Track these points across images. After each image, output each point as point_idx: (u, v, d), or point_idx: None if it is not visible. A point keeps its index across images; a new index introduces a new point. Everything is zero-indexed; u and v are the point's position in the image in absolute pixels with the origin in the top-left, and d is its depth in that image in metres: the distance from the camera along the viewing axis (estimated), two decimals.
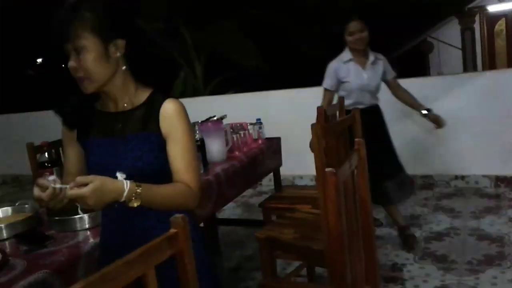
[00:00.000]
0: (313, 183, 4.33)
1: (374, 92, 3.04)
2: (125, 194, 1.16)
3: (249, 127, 3.10)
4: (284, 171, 4.07)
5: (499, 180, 3.84)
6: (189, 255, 1.03)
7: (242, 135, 2.98)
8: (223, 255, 3.01)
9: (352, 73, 2.98)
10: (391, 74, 3.11)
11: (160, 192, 1.25)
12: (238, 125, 3.05)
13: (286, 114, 4.41)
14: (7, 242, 1.72)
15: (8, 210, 2.02)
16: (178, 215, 1.03)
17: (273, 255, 2.41)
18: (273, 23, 7.34)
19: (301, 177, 4.63)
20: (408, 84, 4.25)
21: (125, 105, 1.34)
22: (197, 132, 2.64)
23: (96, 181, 1.13)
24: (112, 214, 1.34)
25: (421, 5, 8.41)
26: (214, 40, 7.06)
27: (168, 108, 1.30)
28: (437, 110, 3.93)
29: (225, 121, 3.19)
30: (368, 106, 3.00)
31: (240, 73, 6.89)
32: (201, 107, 4.51)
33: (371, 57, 3.00)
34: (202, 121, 3.02)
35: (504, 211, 3.36)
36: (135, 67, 1.33)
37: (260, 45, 7.45)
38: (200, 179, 1.35)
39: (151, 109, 1.32)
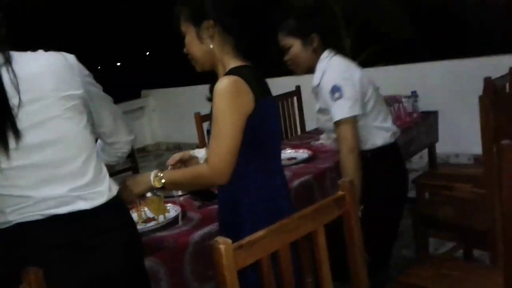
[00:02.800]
0: (470, 163, 4.02)
1: None
2: (151, 177, 1.38)
3: (404, 99, 2.99)
4: (438, 148, 3.87)
5: None
6: (355, 217, 1.07)
7: (396, 108, 2.90)
8: None
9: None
10: None
11: (180, 172, 1.50)
12: (392, 97, 2.97)
13: (444, 87, 4.13)
14: (182, 198, 1.96)
15: None
16: (345, 179, 1.07)
17: (427, 233, 2.34)
18: None
19: (457, 156, 4.32)
20: None
21: None
22: None
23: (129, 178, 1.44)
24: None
25: None
26: (363, 10, 6.84)
27: (215, 86, 1.33)
28: None
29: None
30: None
31: (391, 45, 6.60)
32: None
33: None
34: None
35: None
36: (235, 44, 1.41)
37: (415, 13, 7.00)
38: (222, 156, 1.29)
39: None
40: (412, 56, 5.19)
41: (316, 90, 1.99)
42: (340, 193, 1.05)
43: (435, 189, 2.67)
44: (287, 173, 1.93)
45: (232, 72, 1.34)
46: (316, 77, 1.97)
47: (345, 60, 1.99)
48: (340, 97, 1.82)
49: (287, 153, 2.45)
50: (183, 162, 1.63)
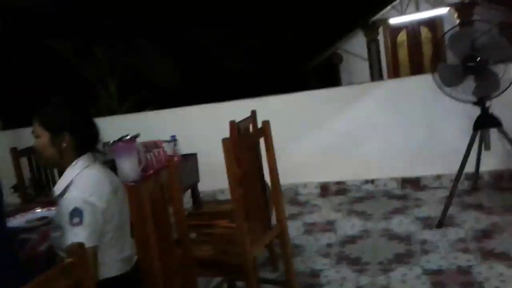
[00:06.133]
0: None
1: None
2: None
3: (164, 144, 3.06)
4: (205, 187, 4.07)
5: (405, 182, 4.12)
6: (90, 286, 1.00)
7: (156, 153, 2.94)
8: None
9: None
10: None
11: None
12: (152, 143, 3.00)
13: (204, 129, 4.41)
14: None
15: None
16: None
17: (194, 272, 2.39)
18: (193, 40, 7.36)
19: (222, 192, 4.64)
20: (323, 94, 4.50)
21: None
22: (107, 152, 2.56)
23: None
24: None
25: (329, 20, 8.87)
26: (129, 59, 6.93)
27: None
28: (349, 118, 4.18)
29: (140, 140, 3.13)
30: None
31: (157, 92, 6.81)
32: (117, 126, 4.39)
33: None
34: (114, 141, 2.94)
35: (411, 210, 3.61)
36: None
37: (180, 62, 7.42)
38: None
39: None
40: (178, 101, 5.41)
41: (58, 199, 1.75)
42: (68, 259, 0.97)
43: (199, 228, 2.77)
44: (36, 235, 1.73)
45: None
46: (60, 185, 1.76)
47: (100, 174, 1.78)
48: (78, 224, 1.63)
49: (36, 212, 2.21)
50: None
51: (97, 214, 1.68)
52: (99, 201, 1.69)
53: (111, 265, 1.77)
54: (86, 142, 1.85)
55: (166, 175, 1.76)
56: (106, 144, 2.76)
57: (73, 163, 1.78)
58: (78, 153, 1.80)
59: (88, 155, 1.82)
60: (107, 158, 2.59)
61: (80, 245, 0.98)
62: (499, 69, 3.03)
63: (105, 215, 1.70)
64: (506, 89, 3.01)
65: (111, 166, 2.54)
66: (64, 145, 1.77)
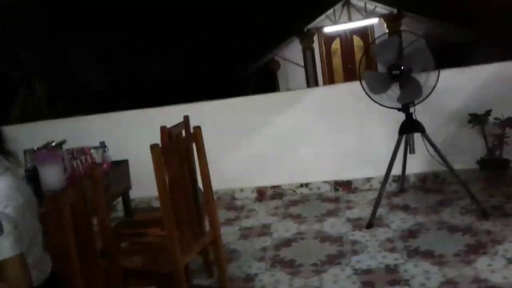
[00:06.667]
0: None
1: None
2: None
3: (92, 151, 2.95)
4: (140, 193, 3.95)
5: (337, 185, 4.23)
6: None
7: (83, 160, 2.82)
8: None
9: None
10: None
11: None
12: (79, 150, 2.89)
13: (137, 135, 4.30)
14: None
15: None
16: None
17: (128, 284, 2.31)
18: (124, 44, 7.18)
19: (157, 198, 4.53)
20: (258, 99, 4.53)
21: None
22: (28, 160, 2.43)
23: None
24: None
25: (265, 26, 8.99)
26: (56, 61, 6.62)
27: None
28: (284, 123, 4.24)
29: (69, 146, 2.99)
30: None
31: (87, 96, 6.56)
32: (44, 132, 4.18)
33: None
34: (38, 148, 2.80)
35: (343, 212, 3.71)
36: None
37: (110, 66, 7.21)
38: None
39: None
40: (109, 107, 5.23)
41: None
42: None
43: (130, 237, 2.69)
44: None
45: None
46: None
47: (12, 184, 1.66)
48: None
49: None
50: None
51: (15, 218, 1.57)
52: (14, 212, 1.59)
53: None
54: None
55: (89, 183, 1.69)
56: (28, 151, 2.62)
57: None
58: None
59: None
60: (28, 166, 2.45)
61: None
62: (422, 77, 3.19)
63: (19, 226, 1.60)
64: (428, 96, 3.18)
65: (34, 174, 2.41)
66: None
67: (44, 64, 6.88)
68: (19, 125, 5.10)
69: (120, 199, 3.28)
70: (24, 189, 1.73)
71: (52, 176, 2.41)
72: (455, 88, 3.88)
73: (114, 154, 3.20)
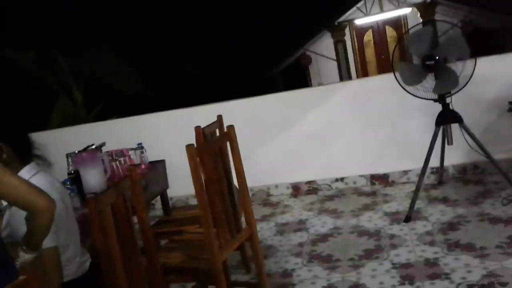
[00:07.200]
0: None
1: None
2: None
3: (130, 152, 3.03)
4: (176, 192, 4.02)
5: (373, 178, 4.19)
6: None
7: (122, 162, 2.91)
8: None
9: None
10: None
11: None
12: (118, 152, 2.97)
13: (172, 136, 4.38)
14: None
15: None
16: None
17: (167, 279, 2.37)
18: (154, 46, 7.32)
19: (194, 196, 4.61)
20: (290, 95, 4.53)
21: None
22: (70, 164, 2.53)
23: None
24: None
25: (295, 22, 8.95)
26: (91, 66, 6.83)
27: None
28: (318, 118, 4.22)
29: (107, 148, 3.09)
30: None
31: (122, 99, 6.73)
32: (84, 135, 4.32)
33: None
34: (79, 151, 2.90)
35: (380, 206, 3.67)
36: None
37: (142, 69, 7.36)
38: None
39: None
40: (144, 108, 5.35)
41: (4, 210, 1.75)
42: (22, 277, 0.95)
43: (169, 235, 2.75)
44: None
45: None
46: None
47: (46, 182, 1.81)
48: None
49: None
50: None
51: None
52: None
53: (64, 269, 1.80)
54: (23, 152, 1.85)
55: (128, 184, 1.75)
56: (70, 155, 2.73)
57: (22, 171, 1.80)
58: (22, 163, 1.82)
59: (31, 165, 1.84)
60: (70, 169, 2.56)
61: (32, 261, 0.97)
62: (457, 66, 3.11)
63: (55, 221, 1.69)
64: (465, 85, 3.10)
65: (76, 177, 2.51)
66: (5, 156, 1.78)
67: (81, 70, 7.11)
68: (59, 129, 5.29)
69: (158, 198, 3.36)
70: (58, 186, 1.85)
71: (93, 178, 2.50)
72: (493, 76, 3.76)
73: (151, 155, 3.28)
